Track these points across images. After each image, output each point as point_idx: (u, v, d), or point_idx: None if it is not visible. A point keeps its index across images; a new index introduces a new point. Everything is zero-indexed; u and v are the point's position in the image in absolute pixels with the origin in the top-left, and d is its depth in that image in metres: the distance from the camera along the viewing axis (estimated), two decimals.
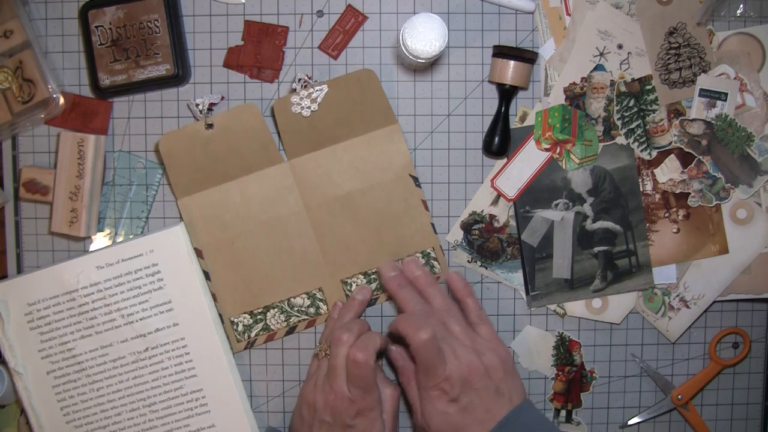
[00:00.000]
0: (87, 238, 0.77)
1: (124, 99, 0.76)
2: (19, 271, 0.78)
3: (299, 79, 0.72)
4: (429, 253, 0.76)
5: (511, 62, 0.73)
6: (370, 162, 0.75)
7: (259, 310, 0.76)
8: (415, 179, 0.75)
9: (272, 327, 0.77)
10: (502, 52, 0.74)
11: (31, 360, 0.75)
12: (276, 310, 0.76)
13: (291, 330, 0.77)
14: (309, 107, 0.72)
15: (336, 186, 0.75)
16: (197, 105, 0.73)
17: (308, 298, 0.76)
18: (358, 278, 0.76)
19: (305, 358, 0.78)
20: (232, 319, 0.76)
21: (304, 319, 0.77)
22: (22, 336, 0.75)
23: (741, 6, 0.75)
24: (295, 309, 0.76)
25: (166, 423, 0.75)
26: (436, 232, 0.76)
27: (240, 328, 0.77)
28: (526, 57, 0.74)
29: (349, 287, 0.76)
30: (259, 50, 0.75)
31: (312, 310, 0.77)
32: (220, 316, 0.76)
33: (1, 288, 0.75)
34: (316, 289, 0.76)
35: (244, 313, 0.76)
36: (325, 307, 0.76)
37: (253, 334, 0.77)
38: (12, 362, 0.75)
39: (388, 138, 0.74)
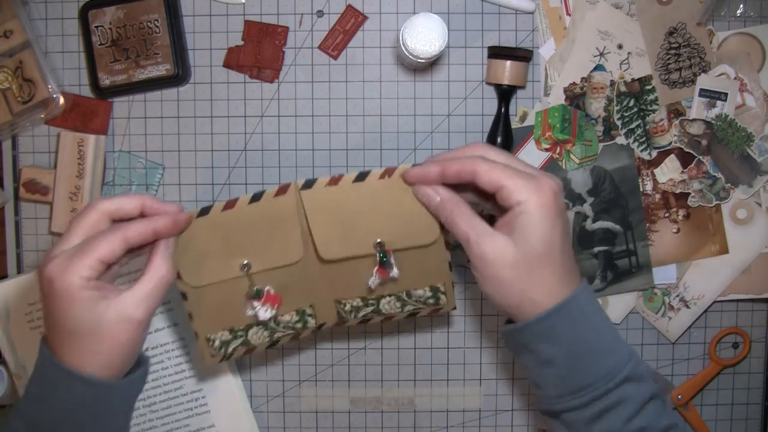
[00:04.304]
0: None
1: (124, 99, 0.76)
2: (19, 271, 0.78)
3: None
4: (438, 287, 0.67)
5: (507, 62, 0.73)
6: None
7: (241, 328, 0.66)
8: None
9: (252, 342, 0.67)
10: (496, 53, 0.74)
11: (31, 360, 0.74)
12: (259, 326, 0.66)
13: (273, 343, 0.68)
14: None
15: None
16: None
17: (296, 314, 0.67)
18: (356, 300, 0.67)
19: (305, 358, 0.78)
20: (208, 336, 0.65)
21: (288, 334, 0.67)
22: (22, 336, 0.75)
23: (741, 6, 0.75)
24: (281, 325, 0.67)
25: (166, 423, 0.75)
26: (451, 269, 0.66)
27: (216, 344, 0.66)
28: (521, 56, 0.74)
29: (342, 306, 0.67)
30: (259, 50, 0.75)
31: (299, 325, 0.67)
32: (196, 334, 0.65)
33: (1, 288, 0.75)
34: (306, 306, 0.67)
35: (224, 329, 0.66)
36: (313, 322, 0.68)
37: (230, 349, 0.66)
38: (12, 362, 0.75)
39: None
